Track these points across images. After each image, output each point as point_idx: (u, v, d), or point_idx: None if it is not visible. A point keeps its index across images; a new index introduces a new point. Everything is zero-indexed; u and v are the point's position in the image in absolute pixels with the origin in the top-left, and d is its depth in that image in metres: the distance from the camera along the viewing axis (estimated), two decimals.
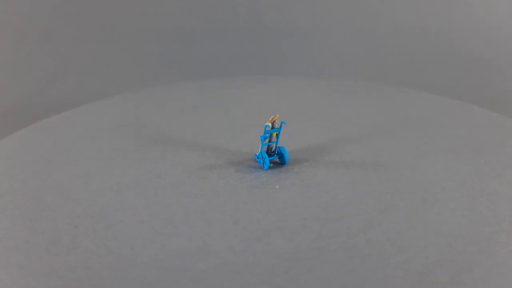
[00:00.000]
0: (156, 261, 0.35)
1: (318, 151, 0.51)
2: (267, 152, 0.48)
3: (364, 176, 0.46)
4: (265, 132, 0.46)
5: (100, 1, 1.16)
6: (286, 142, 0.51)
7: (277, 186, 0.44)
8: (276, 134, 0.47)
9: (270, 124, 0.46)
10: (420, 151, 0.51)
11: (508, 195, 0.42)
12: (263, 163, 0.47)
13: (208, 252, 0.36)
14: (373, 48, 1.13)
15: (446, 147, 0.52)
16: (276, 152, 0.48)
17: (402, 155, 0.50)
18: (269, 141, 0.47)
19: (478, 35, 1.12)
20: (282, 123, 0.47)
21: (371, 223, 0.39)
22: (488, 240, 0.37)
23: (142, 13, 1.16)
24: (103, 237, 0.38)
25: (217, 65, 1.09)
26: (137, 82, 1.03)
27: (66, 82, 1.05)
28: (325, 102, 0.68)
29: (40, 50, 1.11)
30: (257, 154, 0.48)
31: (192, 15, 1.15)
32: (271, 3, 1.17)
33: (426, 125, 0.58)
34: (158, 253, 0.36)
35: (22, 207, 0.42)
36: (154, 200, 0.42)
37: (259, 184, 0.44)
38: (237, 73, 1.04)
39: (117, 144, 0.54)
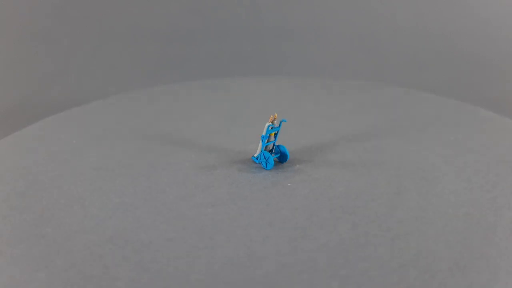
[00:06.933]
0: (213, 276, 0.33)
1: (317, 151, 0.51)
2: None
3: (364, 167, 0.48)
4: (268, 132, 0.46)
5: (100, 1, 1.16)
6: (286, 142, 0.51)
7: (289, 184, 0.44)
8: (275, 133, 0.47)
9: (271, 124, 0.46)
10: (423, 154, 0.51)
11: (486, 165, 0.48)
12: (265, 164, 0.47)
13: (260, 258, 0.35)
14: (373, 48, 1.13)
15: (441, 143, 0.53)
16: (274, 152, 0.48)
17: (397, 149, 0.51)
18: (268, 141, 0.47)
19: (478, 35, 1.11)
20: (282, 121, 0.47)
21: (392, 205, 0.41)
22: (494, 204, 0.41)
23: (142, 13, 1.16)
24: (139, 262, 0.34)
25: (217, 65, 1.09)
26: (137, 82, 1.03)
27: (66, 82, 1.05)
28: (325, 102, 0.68)
29: (40, 50, 1.10)
30: (254, 155, 0.47)
31: (192, 15, 1.15)
32: (271, 3, 1.17)
33: (427, 126, 0.58)
34: (210, 267, 0.34)
35: (22, 244, 0.37)
36: (171, 215, 0.40)
37: (271, 185, 0.44)
38: (237, 73, 1.04)
39: (116, 148, 0.53)
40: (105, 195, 0.43)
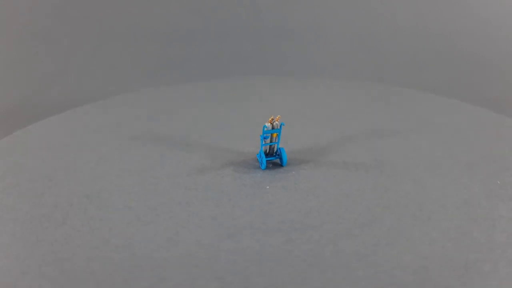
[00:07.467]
0: (127, 245, 0.36)
1: (319, 152, 0.51)
2: (268, 153, 0.48)
3: (361, 183, 0.44)
4: (264, 132, 0.46)
5: (100, 1, 1.16)
6: (287, 143, 0.51)
7: (268, 187, 0.44)
8: (277, 134, 0.47)
9: (268, 125, 0.46)
10: (425, 157, 0.49)
11: None
12: (261, 163, 0.47)
13: (176, 242, 0.37)
14: (373, 48, 1.13)
15: (452, 154, 0.50)
16: (277, 153, 0.48)
17: (405, 161, 0.49)
18: (270, 142, 0.47)
19: (478, 35, 1.11)
20: (281, 124, 0.47)
21: (348, 234, 0.37)
22: (467, 269, 0.33)
23: (142, 13, 1.16)
24: (91, 217, 0.40)
25: (217, 65, 1.09)
26: (137, 82, 1.03)
27: (66, 82, 1.05)
28: (325, 102, 0.68)
29: (40, 50, 1.10)
30: (258, 153, 0.48)
31: (192, 15, 1.15)
32: (271, 3, 1.17)
33: (427, 126, 0.58)
34: (131, 237, 0.37)
35: (33, 183, 0.46)
36: (148, 189, 0.44)
37: (252, 183, 0.44)
38: (237, 73, 1.04)
39: (119, 141, 0.54)
40: (114, 162, 0.50)
